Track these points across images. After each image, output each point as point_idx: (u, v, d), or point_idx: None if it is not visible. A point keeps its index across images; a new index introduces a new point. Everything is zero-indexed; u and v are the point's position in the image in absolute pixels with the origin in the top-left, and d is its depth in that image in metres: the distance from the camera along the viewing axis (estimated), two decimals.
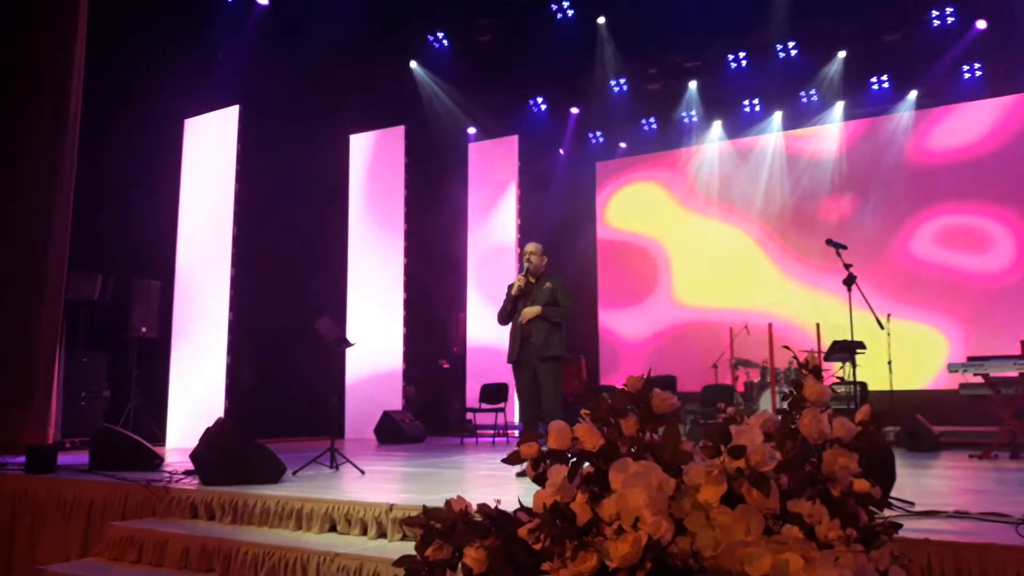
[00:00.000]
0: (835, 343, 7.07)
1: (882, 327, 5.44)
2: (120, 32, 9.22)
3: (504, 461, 2.00)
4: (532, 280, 5.89)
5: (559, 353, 5.73)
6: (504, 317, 5.93)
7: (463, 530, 1.88)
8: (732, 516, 1.61)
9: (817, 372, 1.90)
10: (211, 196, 9.74)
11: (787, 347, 2.58)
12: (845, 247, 5.47)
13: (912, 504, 3.91)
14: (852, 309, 5.26)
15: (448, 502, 1.99)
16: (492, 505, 2.09)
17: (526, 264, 5.86)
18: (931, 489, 4.90)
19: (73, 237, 8.53)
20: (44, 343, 8.00)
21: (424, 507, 2.02)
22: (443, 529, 1.93)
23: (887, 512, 3.73)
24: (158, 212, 9.82)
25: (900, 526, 1.94)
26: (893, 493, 4.06)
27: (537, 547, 1.70)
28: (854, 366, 5.62)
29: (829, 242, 5.55)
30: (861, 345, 6.36)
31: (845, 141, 12.84)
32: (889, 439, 8.70)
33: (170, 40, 9.65)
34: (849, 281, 5.29)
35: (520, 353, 5.77)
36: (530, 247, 5.92)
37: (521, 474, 5.01)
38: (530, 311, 5.69)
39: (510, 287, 5.96)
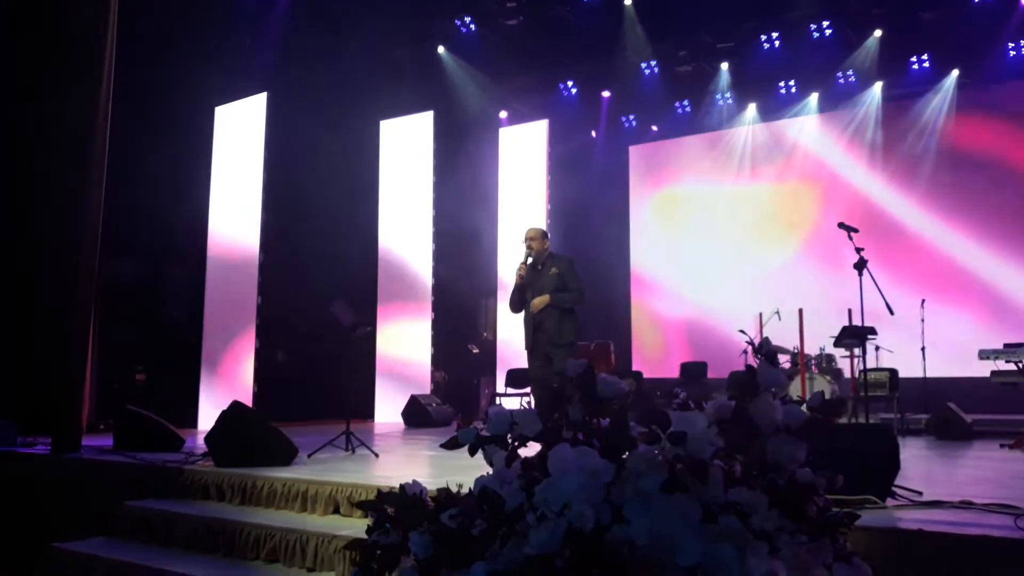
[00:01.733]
0: (845, 328, 6.92)
1: (892, 312, 5.29)
2: (151, 19, 9.34)
3: (443, 446, 1.99)
4: (538, 267, 5.80)
5: (572, 339, 5.69)
6: (515, 306, 5.88)
7: (412, 514, 1.87)
8: (669, 504, 1.57)
9: (773, 357, 1.84)
10: (241, 182, 9.86)
11: (742, 331, 2.51)
12: (857, 230, 5.33)
13: (920, 493, 3.82)
14: (863, 294, 5.13)
15: (402, 486, 1.99)
16: (455, 489, 2.08)
17: (527, 251, 5.78)
18: (949, 478, 4.79)
19: (106, 223, 8.71)
20: (77, 326, 8.19)
21: (379, 491, 2.01)
22: (394, 513, 1.92)
23: (891, 501, 3.66)
24: (190, 198, 9.97)
25: (857, 517, 1.88)
26: (905, 482, 3.99)
27: (475, 533, 1.68)
28: (864, 353, 5.48)
29: (841, 225, 5.41)
30: (872, 331, 6.21)
31: (884, 122, 12.50)
32: (919, 427, 8.53)
33: (200, 27, 9.75)
34: (860, 265, 5.15)
35: (534, 341, 5.73)
36: (530, 232, 5.83)
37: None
38: (539, 301, 5.63)
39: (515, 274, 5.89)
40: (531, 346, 5.76)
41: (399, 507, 1.92)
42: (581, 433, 1.77)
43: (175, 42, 9.61)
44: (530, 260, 5.79)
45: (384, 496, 1.94)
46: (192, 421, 9.38)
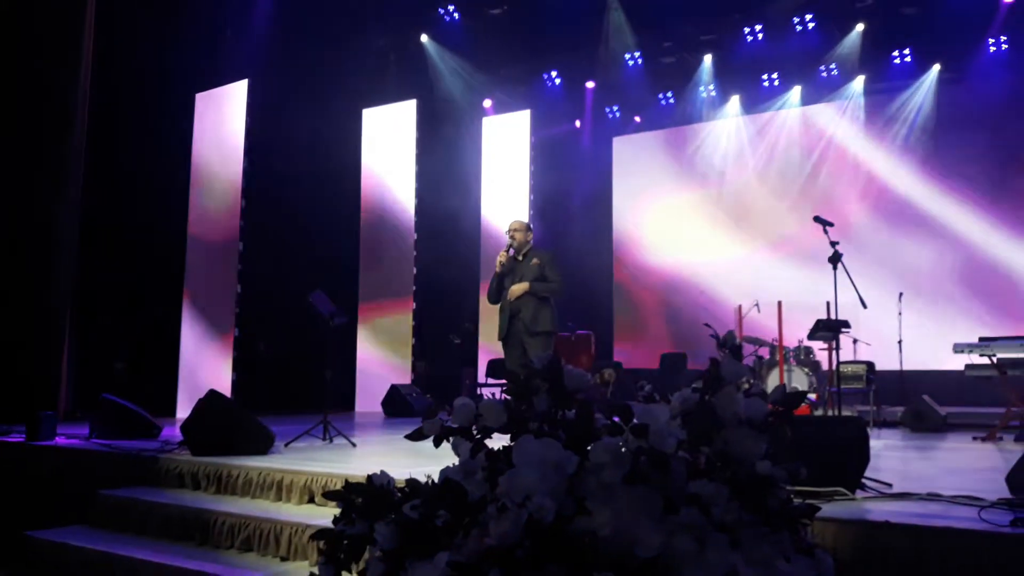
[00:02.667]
0: (819, 322, 6.97)
1: (865, 306, 5.34)
2: (129, 4, 9.25)
3: (407, 438, 2.00)
4: (519, 258, 5.84)
5: (548, 329, 5.71)
6: (493, 295, 5.93)
7: (379, 505, 1.88)
8: (631, 496, 1.58)
9: (736, 350, 1.86)
10: (222, 169, 9.80)
11: (707, 324, 2.52)
12: (832, 224, 5.36)
13: (889, 485, 3.86)
14: (837, 287, 5.17)
15: (369, 477, 1.99)
16: (424, 479, 2.09)
17: (510, 241, 5.83)
18: (920, 470, 4.85)
19: (84, 211, 8.65)
20: (54, 314, 8.14)
21: (346, 481, 2.02)
22: (361, 504, 1.92)
23: (860, 493, 3.70)
24: (169, 185, 9.91)
25: (818, 509, 1.90)
26: (876, 474, 4.04)
27: (440, 523, 1.69)
28: (838, 346, 5.53)
29: (816, 219, 5.45)
30: (846, 324, 6.27)
31: (866, 115, 12.57)
32: (895, 419, 8.62)
33: (180, 13, 9.66)
34: (834, 259, 5.19)
35: (509, 330, 5.76)
36: (513, 224, 5.93)
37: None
38: (518, 288, 5.68)
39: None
40: (505, 335, 5.78)
41: (366, 497, 1.92)
42: (547, 424, 1.78)
43: (154, 28, 9.52)
44: (512, 251, 5.82)
45: (351, 486, 1.94)
46: (170, 410, 9.35)
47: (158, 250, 9.80)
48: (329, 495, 2.00)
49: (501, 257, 5.82)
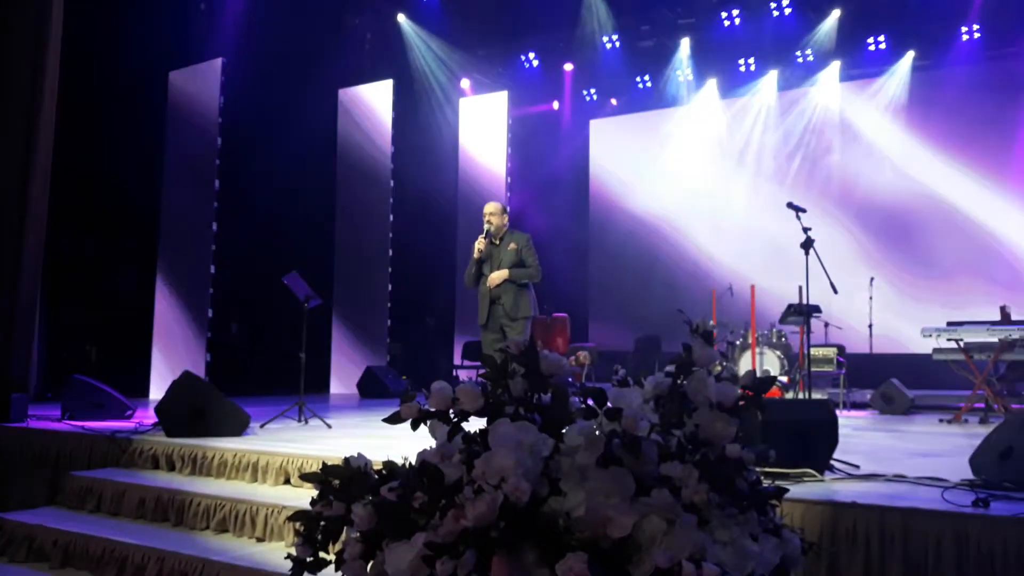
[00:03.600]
0: (790, 306, 7.08)
1: (836, 292, 5.43)
2: None
3: (385, 421, 2.02)
4: (496, 242, 5.83)
5: (528, 314, 5.73)
6: (471, 279, 5.92)
7: (356, 487, 1.90)
8: (604, 477, 1.62)
9: (708, 336, 1.89)
10: (195, 150, 9.68)
11: (680, 311, 2.55)
12: (804, 211, 5.43)
13: (857, 467, 3.95)
14: (809, 273, 5.24)
15: (346, 459, 2.01)
16: (401, 461, 2.11)
17: (487, 226, 5.80)
18: (887, 452, 4.94)
19: (54, 191, 8.51)
20: (23, 294, 8.03)
21: (323, 463, 2.04)
22: (339, 486, 1.94)
23: (829, 474, 3.78)
24: (142, 167, 9.77)
25: (785, 491, 1.95)
26: (846, 456, 4.12)
27: (417, 505, 1.72)
28: (809, 330, 5.62)
29: (789, 205, 5.51)
30: (817, 309, 6.36)
31: (841, 101, 12.67)
32: (864, 401, 8.77)
33: None
34: (807, 245, 5.26)
35: (489, 315, 5.76)
36: (489, 207, 5.88)
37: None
38: (497, 276, 5.68)
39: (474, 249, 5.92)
40: (485, 320, 5.80)
41: (343, 479, 1.94)
42: (522, 408, 1.81)
43: (125, 4, 9.36)
44: (489, 236, 5.81)
45: (328, 469, 1.96)
46: (143, 391, 9.28)
47: (131, 229, 9.69)
48: (306, 477, 2.02)
49: (479, 244, 5.78)
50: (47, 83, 8.10)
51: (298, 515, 1.97)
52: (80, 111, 8.79)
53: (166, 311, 9.59)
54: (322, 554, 2.01)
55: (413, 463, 2.07)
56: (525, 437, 1.64)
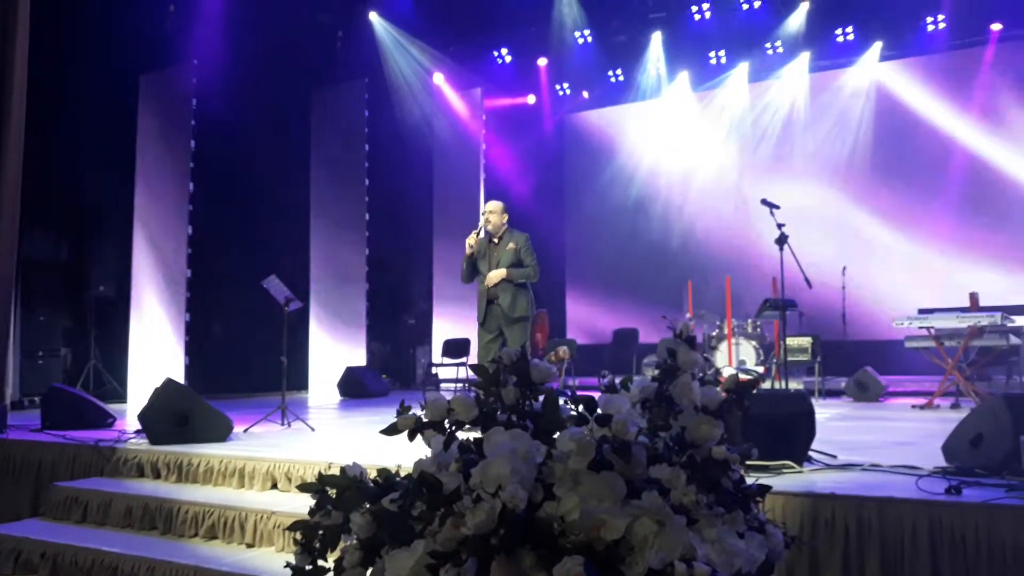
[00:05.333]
0: (766, 301, 7.20)
1: (810, 286, 5.55)
2: None
3: (382, 432, 2.07)
4: (495, 240, 5.84)
5: (526, 314, 5.76)
6: (465, 276, 5.93)
7: (353, 496, 1.94)
8: (596, 481, 1.68)
9: (691, 341, 1.96)
10: (167, 152, 9.62)
11: (664, 316, 2.62)
12: (778, 207, 5.53)
13: (834, 457, 4.05)
14: (783, 266, 5.35)
15: (343, 468, 2.06)
16: (393, 469, 2.16)
17: (484, 223, 5.81)
18: (862, 441, 5.06)
19: (25, 195, 8.42)
20: None
21: (320, 473, 2.08)
22: (336, 495, 1.99)
23: (808, 465, 3.88)
24: (114, 169, 9.69)
25: (769, 488, 2.03)
26: (822, 445, 4.22)
27: (415, 513, 1.77)
28: (784, 324, 5.73)
29: (763, 202, 5.61)
30: (792, 304, 6.48)
31: (811, 92, 12.83)
32: (839, 389, 8.93)
33: None
34: (781, 241, 5.36)
35: (487, 314, 5.78)
36: (489, 206, 5.88)
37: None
38: (495, 275, 5.69)
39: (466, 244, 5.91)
40: (483, 319, 5.80)
41: (340, 488, 1.99)
42: (515, 416, 1.87)
43: (95, 8, 9.27)
44: (484, 232, 5.82)
45: (325, 478, 2.01)
46: (121, 396, 9.23)
47: (105, 233, 9.63)
48: (304, 487, 2.07)
49: (471, 240, 5.78)
50: (16, 84, 8.01)
51: (297, 524, 2.01)
52: (50, 114, 8.70)
53: (142, 314, 9.53)
54: (320, 562, 2.06)
55: (403, 469, 2.12)
56: (519, 445, 1.70)
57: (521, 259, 5.78)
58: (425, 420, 1.92)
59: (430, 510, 1.71)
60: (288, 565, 2.05)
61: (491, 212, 5.87)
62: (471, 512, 1.57)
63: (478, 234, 5.85)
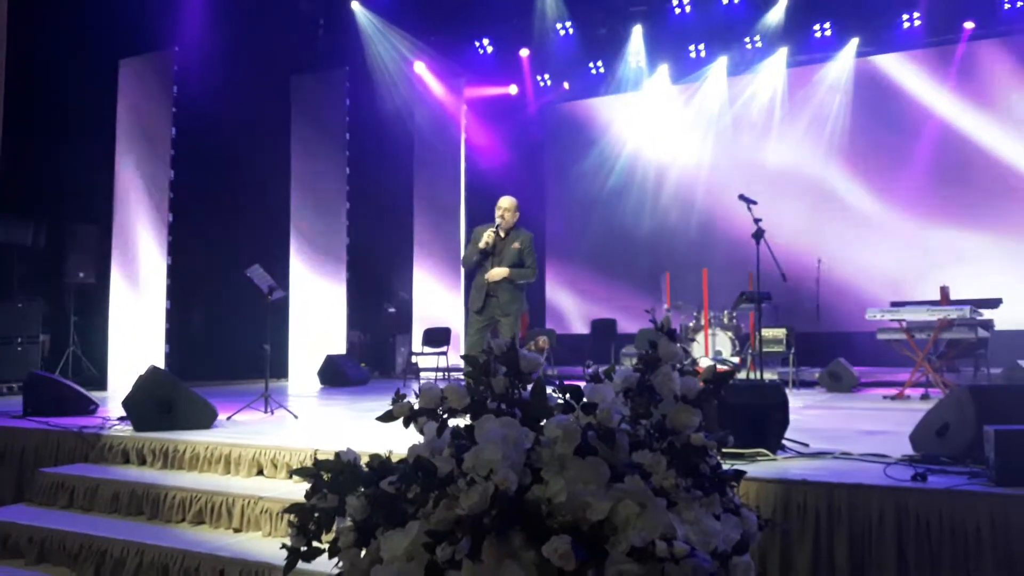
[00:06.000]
0: (742, 294, 7.34)
1: (785, 279, 5.69)
2: None
3: (378, 419, 2.15)
4: (502, 235, 5.89)
5: (520, 309, 5.92)
6: (468, 264, 6.01)
7: (348, 480, 2.03)
8: (581, 466, 1.78)
9: (671, 333, 2.06)
10: (148, 139, 9.59)
11: (647, 310, 2.71)
12: (756, 202, 5.66)
13: (807, 445, 4.18)
14: (760, 260, 5.48)
15: (337, 453, 2.14)
16: (384, 454, 2.25)
17: (499, 220, 5.86)
18: (834, 430, 5.21)
19: (3, 181, 8.38)
20: None
21: (315, 457, 2.16)
22: (330, 479, 2.07)
23: (781, 453, 4.01)
24: (93, 155, 9.64)
25: (744, 473, 2.14)
26: (796, 434, 4.36)
27: (410, 496, 1.86)
28: (760, 317, 5.87)
29: (741, 197, 5.73)
30: (768, 296, 6.63)
31: (789, 87, 12.99)
32: (813, 379, 9.11)
33: None
34: (758, 235, 5.49)
35: (484, 304, 5.87)
36: (505, 202, 5.92)
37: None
38: (497, 272, 5.78)
39: (477, 231, 5.96)
40: (480, 307, 5.86)
41: (335, 473, 2.07)
42: (504, 403, 1.96)
43: None
44: (499, 229, 5.87)
45: (321, 463, 2.09)
46: (102, 384, 9.22)
47: (84, 220, 9.58)
48: (300, 472, 2.14)
49: (488, 237, 5.81)
50: None
51: (293, 507, 2.09)
52: (29, 99, 8.63)
53: (122, 302, 9.51)
54: (315, 543, 2.14)
55: (393, 454, 2.21)
56: (509, 431, 1.79)
57: (523, 259, 5.87)
58: (419, 407, 2.01)
59: (424, 492, 1.80)
60: (284, 546, 2.13)
61: (506, 209, 5.92)
62: (465, 494, 1.66)
63: (496, 232, 5.86)
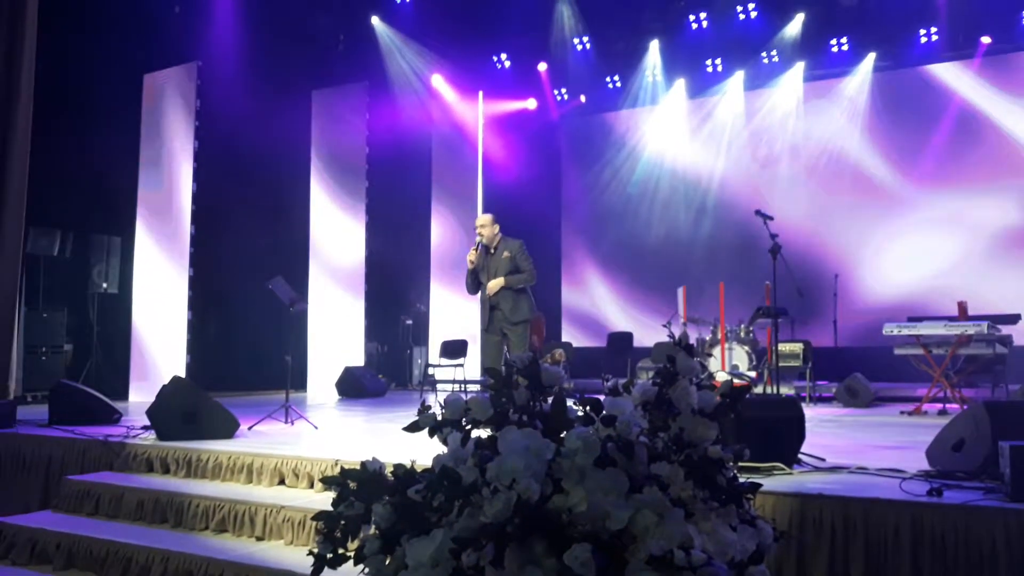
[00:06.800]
0: (759, 309, 7.37)
1: (802, 295, 5.72)
2: None
3: (405, 429, 2.22)
4: (491, 251, 6.04)
5: (527, 317, 6.00)
6: (471, 288, 6.19)
7: (373, 488, 2.09)
8: (601, 477, 1.83)
9: (689, 348, 2.11)
10: (171, 152, 9.76)
11: (665, 324, 2.75)
12: (772, 218, 5.70)
13: (823, 460, 4.21)
14: (776, 275, 5.52)
15: (363, 463, 2.20)
16: (408, 464, 2.31)
17: (478, 237, 6.03)
18: (851, 444, 5.22)
19: (30, 192, 8.54)
20: (2, 297, 8.05)
21: (341, 467, 2.23)
22: (357, 488, 2.14)
23: (797, 468, 4.04)
24: (118, 167, 9.82)
25: (759, 486, 2.18)
26: (812, 449, 4.38)
27: (435, 504, 1.92)
28: (776, 331, 5.90)
29: (758, 213, 5.78)
30: (784, 311, 6.66)
31: (805, 101, 13.01)
32: (830, 394, 9.10)
33: None
34: (774, 251, 5.53)
35: (490, 319, 6.00)
36: (480, 219, 6.12)
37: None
38: (493, 284, 5.92)
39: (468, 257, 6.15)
40: (487, 325, 6.04)
41: (361, 481, 2.13)
42: (526, 415, 2.02)
43: (100, 7, 9.39)
44: (480, 247, 6.03)
45: (347, 472, 2.15)
46: (123, 394, 9.35)
47: (107, 231, 9.75)
48: (327, 480, 2.21)
49: (471, 256, 6.04)
50: (23, 88, 8.12)
51: (321, 515, 2.16)
52: (55, 112, 8.82)
53: (144, 312, 9.65)
54: (340, 550, 2.20)
55: (416, 464, 2.27)
56: (531, 442, 1.85)
57: (518, 265, 5.97)
58: (443, 418, 2.07)
59: (449, 501, 1.86)
60: (311, 553, 2.19)
61: (482, 226, 6.11)
62: (489, 503, 1.72)
63: (476, 249, 6.06)
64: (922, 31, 12.00)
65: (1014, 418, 3.64)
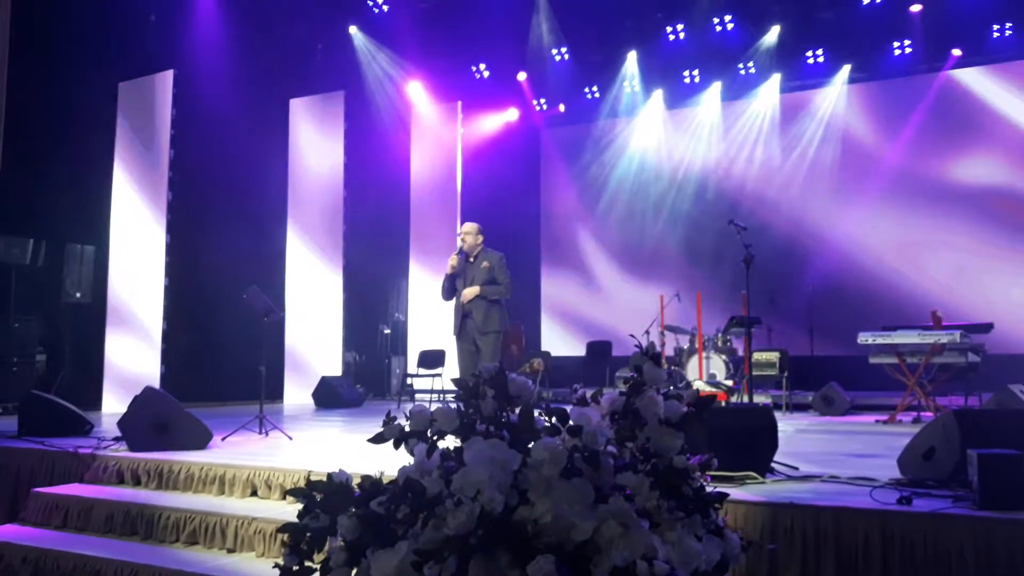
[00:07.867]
0: (732, 319, 7.41)
1: (774, 303, 5.75)
2: None
3: (370, 441, 2.20)
4: (471, 259, 6.10)
5: (498, 328, 6.01)
6: (445, 293, 6.20)
7: (339, 500, 2.07)
8: (567, 488, 1.83)
9: (656, 358, 2.12)
10: (146, 160, 9.68)
11: (632, 335, 2.76)
12: (746, 228, 5.75)
13: (796, 469, 4.23)
14: (750, 285, 5.55)
15: (329, 475, 2.18)
16: (375, 475, 2.30)
17: (460, 244, 6.09)
18: (824, 454, 5.25)
19: (3, 200, 8.44)
20: None
21: (307, 478, 2.21)
22: (322, 499, 2.12)
23: (770, 476, 4.05)
24: (91, 176, 9.72)
25: (726, 496, 2.19)
26: (786, 457, 4.40)
27: (399, 516, 1.90)
28: (750, 340, 5.93)
29: (731, 223, 5.82)
30: (758, 321, 6.70)
31: (781, 112, 13.13)
32: (806, 402, 9.16)
33: (101, 1, 9.48)
34: (748, 261, 5.57)
35: (461, 327, 6.05)
36: (465, 227, 6.19)
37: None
38: (469, 292, 5.98)
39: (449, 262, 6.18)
40: (458, 331, 6.09)
41: (327, 494, 2.12)
42: (493, 426, 2.01)
43: (75, 15, 9.32)
44: (462, 253, 6.08)
45: (314, 484, 2.13)
46: (96, 404, 9.23)
47: (81, 240, 9.64)
48: (294, 492, 2.19)
49: (452, 260, 6.07)
50: None
51: (286, 527, 2.14)
52: (29, 120, 8.72)
53: (118, 322, 9.55)
54: (307, 563, 2.18)
55: (384, 476, 2.25)
56: (497, 453, 1.84)
57: (495, 277, 6.00)
58: (409, 429, 2.06)
59: (413, 513, 1.84)
60: (276, 565, 2.17)
61: (466, 233, 6.18)
62: (452, 514, 1.71)
63: (458, 255, 6.09)
64: (895, 44, 12.16)
65: (983, 426, 3.68)
